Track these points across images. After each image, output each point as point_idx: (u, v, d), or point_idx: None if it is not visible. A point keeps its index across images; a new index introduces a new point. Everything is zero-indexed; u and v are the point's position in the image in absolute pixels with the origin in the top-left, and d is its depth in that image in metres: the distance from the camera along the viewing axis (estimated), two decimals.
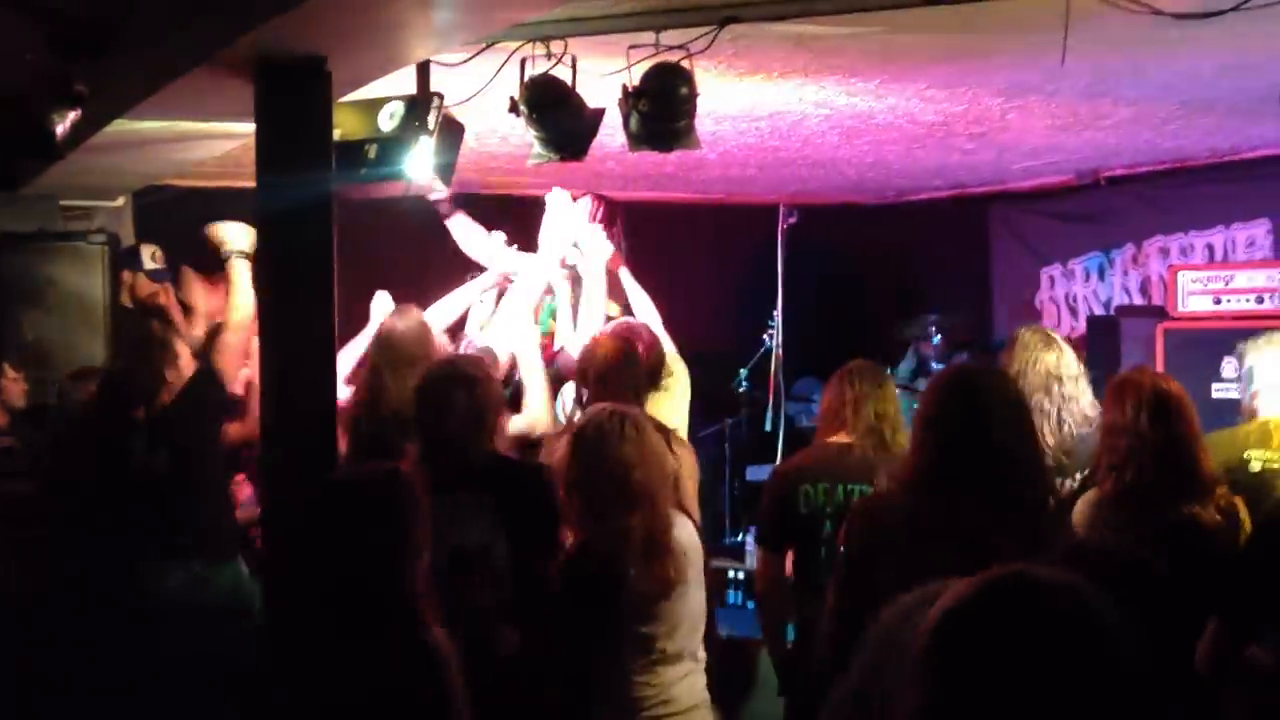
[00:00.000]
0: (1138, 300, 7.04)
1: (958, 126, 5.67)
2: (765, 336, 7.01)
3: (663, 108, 3.87)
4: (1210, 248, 6.83)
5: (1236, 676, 2.94)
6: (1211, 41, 3.99)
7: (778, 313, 6.95)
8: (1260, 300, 5.53)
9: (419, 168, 4.21)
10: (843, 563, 2.98)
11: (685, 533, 3.41)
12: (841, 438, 4.03)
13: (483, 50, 3.99)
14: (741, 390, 7.14)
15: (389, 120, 4.20)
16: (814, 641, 3.26)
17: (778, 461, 6.17)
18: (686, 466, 3.96)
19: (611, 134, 4.22)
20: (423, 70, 4.17)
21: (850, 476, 3.92)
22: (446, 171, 4.29)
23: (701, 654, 3.42)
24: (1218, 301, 5.66)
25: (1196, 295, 5.63)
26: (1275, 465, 3.95)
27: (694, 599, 3.37)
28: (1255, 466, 3.96)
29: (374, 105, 4.22)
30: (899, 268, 8.31)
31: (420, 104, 4.17)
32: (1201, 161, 6.61)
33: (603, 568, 3.26)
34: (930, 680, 1.27)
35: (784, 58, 4.38)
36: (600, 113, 4.05)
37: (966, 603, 1.27)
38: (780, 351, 6.87)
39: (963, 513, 2.73)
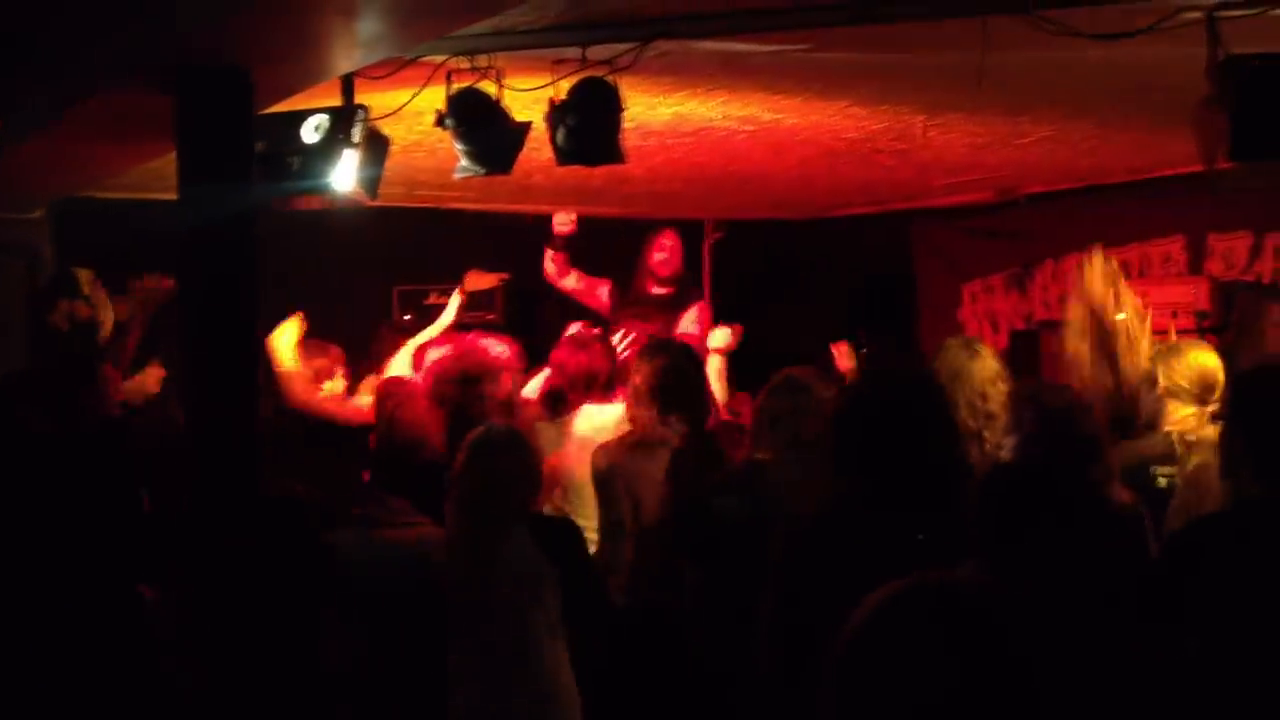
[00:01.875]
0: (1057, 315, 7.15)
1: (881, 143, 5.73)
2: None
3: (589, 123, 3.88)
4: (1127, 263, 6.96)
5: None
6: (1127, 61, 4.08)
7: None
8: (1175, 315, 5.64)
9: (343, 180, 4.18)
10: (780, 579, 2.97)
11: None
12: (762, 453, 4.03)
13: (409, 64, 3.98)
14: None
15: (313, 132, 4.17)
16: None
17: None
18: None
19: (538, 148, 4.22)
20: (347, 82, 4.14)
21: (768, 491, 3.91)
22: (371, 185, 4.27)
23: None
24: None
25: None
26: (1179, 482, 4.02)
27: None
28: (1162, 483, 4.03)
29: (297, 117, 4.19)
30: (825, 283, 8.38)
31: (344, 116, 4.14)
32: (1118, 179, 6.74)
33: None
34: (842, 690, 1.28)
35: (710, 75, 4.41)
36: (526, 127, 4.05)
37: (879, 611, 1.28)
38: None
39: (899, 527, 2.74)
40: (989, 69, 3.75)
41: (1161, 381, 4.17)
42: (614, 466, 4.43)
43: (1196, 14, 3.42)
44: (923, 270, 8.18)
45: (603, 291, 6.83)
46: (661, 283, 6.66)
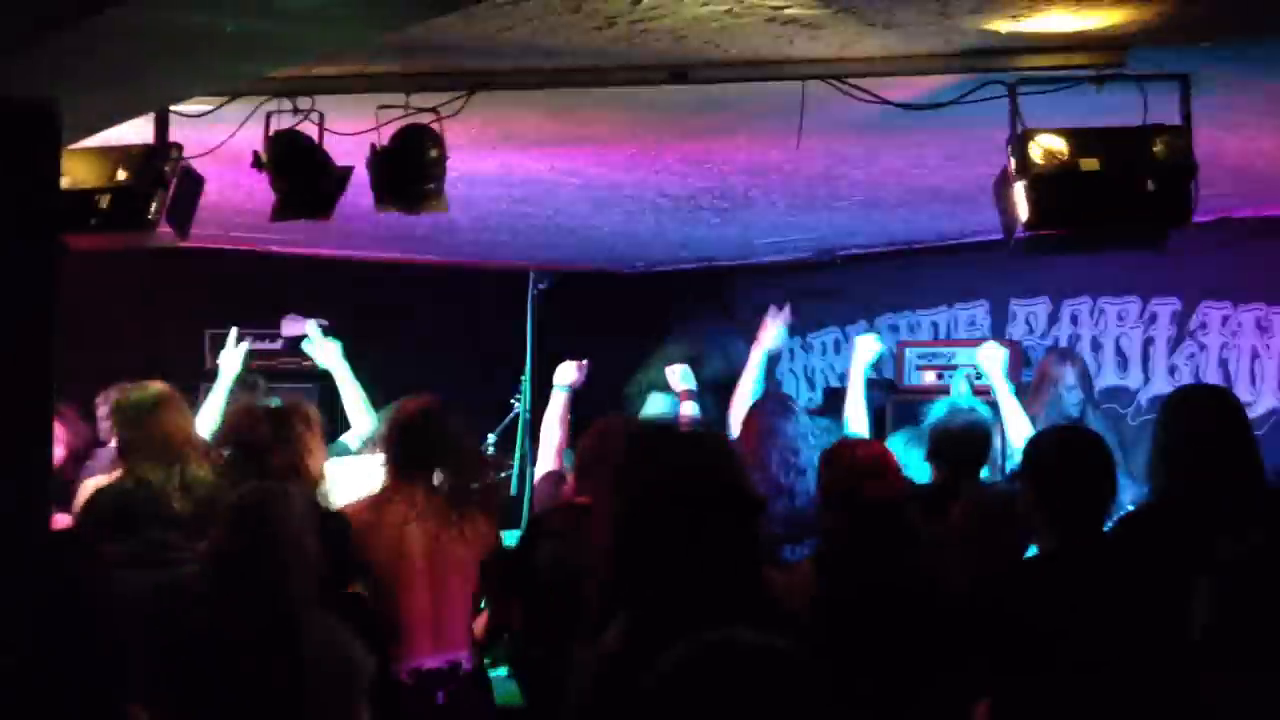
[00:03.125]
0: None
1: (704, 201, 5.84)
2: (513, 401, 7.01)
3: (411, 169, 3.85)
4: (935, 325, 7.23)
5: None
6: (936, 131, 4.26)
7: (525, 378, 6.96)
8: (979, 376, 5.88)
9: (154, 220, 4.06)
10: None
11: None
12: (583, 498, 4.05)
13: (227, 102, 3.90)
14: (490, 455, 7.10)
15: (123, 170, 4.04)
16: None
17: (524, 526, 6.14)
18: None
19: (361, 193, 4.17)
20: (161, 119, 4.04)
21: (588, 535, 3.91)
22: (183, 225, 4.15)
23: None
24: (940, 376, 6.00)
25: (922, 369, 5.95)
26: None
27: None
28: None
29: (108, 154, 4.05)
30: (650, 336, 8.46)
31: (158, 154, 4.03)
32: (928, 244, 7.01)
33: None
34: None
35: (535, 125, 4.44)
36: (348, 171, 4.00)
37: (677, 666, 1.29)
38: (529, 416, 6.88)
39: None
40: (807, 132, 3.87)
41: None
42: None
43: (999, 88, 3.59)
44: (741, 326, 8.33)
45: None
46: None
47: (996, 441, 4.61)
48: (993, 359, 5.03)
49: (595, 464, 3.98)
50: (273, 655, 2.98)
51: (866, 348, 5.15)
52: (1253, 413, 5.76)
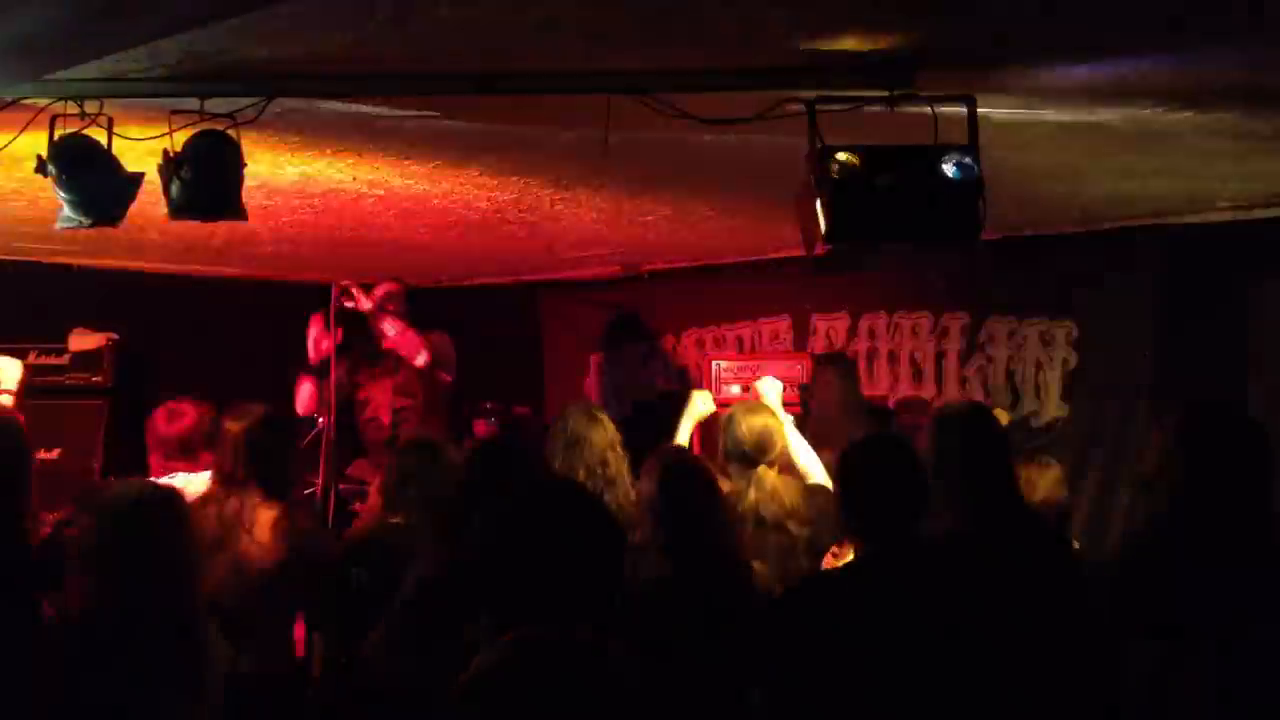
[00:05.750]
0: (676, 387, 7.46)
1: (510, 214, 5.82)
2: (317, 418, 6.85)
3: (206, 176, 3.73)
4: (740, 339, 7.36)
5: None
6: (738, 148, 4.33)
7: (329, 394, 6.81)
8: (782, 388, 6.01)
9: None
10: None
11: None
12: (395, 516, 4.00)
13: (8, 105, 3.72)
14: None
15: None
16: None
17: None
18: None
19: (154, 203, 4.02)
20: None
21: (399, 553, 3.87)
22: None
23: None
24: (746, 389, 6.10)
25: (728, 382, 6.04)
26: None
27: None
28: None
29: None
30: (457, 350, 8.38)
31: None
32: (732, 259, 7.14)
33: None
34: None
35: (337, 135, 4.35)
36: (138, 177, 3.85)
37: (493, 665, 1.28)
38: (332, 433, 6.74)
39: None
40: (614, 146, 3.89)
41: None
42: None
43: (798, 105, 3.68)
44: (550, 340, 8.34)
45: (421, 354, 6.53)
46: None
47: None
48: (769, 390, 5.15)
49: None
50: None
51: (703, 403, 5.19)
52: (1037, 421, 6.06)
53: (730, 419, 4.49)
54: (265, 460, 4.14)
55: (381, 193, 5.30)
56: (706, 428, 5.12)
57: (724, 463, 4.40)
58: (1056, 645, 3.31)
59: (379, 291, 6.69)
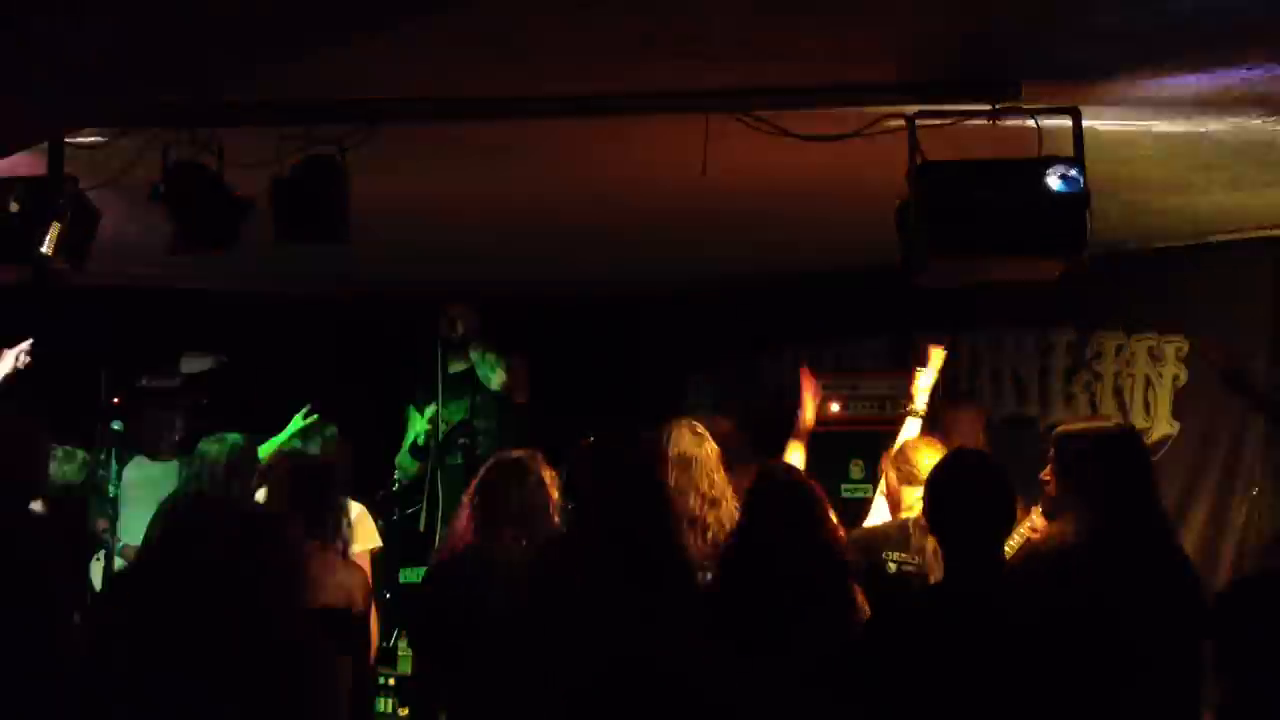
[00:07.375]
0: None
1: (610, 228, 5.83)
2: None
3: (312, 202, 3.81)
4: (839, 356, 7.28)
5: None
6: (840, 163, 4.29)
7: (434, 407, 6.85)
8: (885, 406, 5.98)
9: (47, 252, 3.96)
10: None
11: None
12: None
13: (124, 133, 3.83)
14: (395, 490, 6.99)
15: (14, 201, 3.94)
16: None
17: None
18: None
19: (261, 225, 4.11)
20: (55, 150, 3.95)
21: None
22: (77, 258, 4.06)
23: None
24: (845, 406, 6.09)
25: (827, 400, 5.98)
26: (910, 567, 4.18)
27: None
28: (891, 568, 4.19)
29: None
30: (552, 367, 8.40)
31: (50, 185, 3.94)
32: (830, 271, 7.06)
33: None
34: None
35: (434, 153, 4.41)
36: (249, 203, 3.94)
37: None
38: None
39: None
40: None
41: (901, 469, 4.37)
42: None
43: (898, 121, 3.65)
44: (647, 356, 8.32)
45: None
46: None
47: None
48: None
49: None
50: None
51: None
52: (1146, 439, 5.91)
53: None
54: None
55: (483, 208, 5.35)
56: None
57: None
58: (1156, 667, 3.22)
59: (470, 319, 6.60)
